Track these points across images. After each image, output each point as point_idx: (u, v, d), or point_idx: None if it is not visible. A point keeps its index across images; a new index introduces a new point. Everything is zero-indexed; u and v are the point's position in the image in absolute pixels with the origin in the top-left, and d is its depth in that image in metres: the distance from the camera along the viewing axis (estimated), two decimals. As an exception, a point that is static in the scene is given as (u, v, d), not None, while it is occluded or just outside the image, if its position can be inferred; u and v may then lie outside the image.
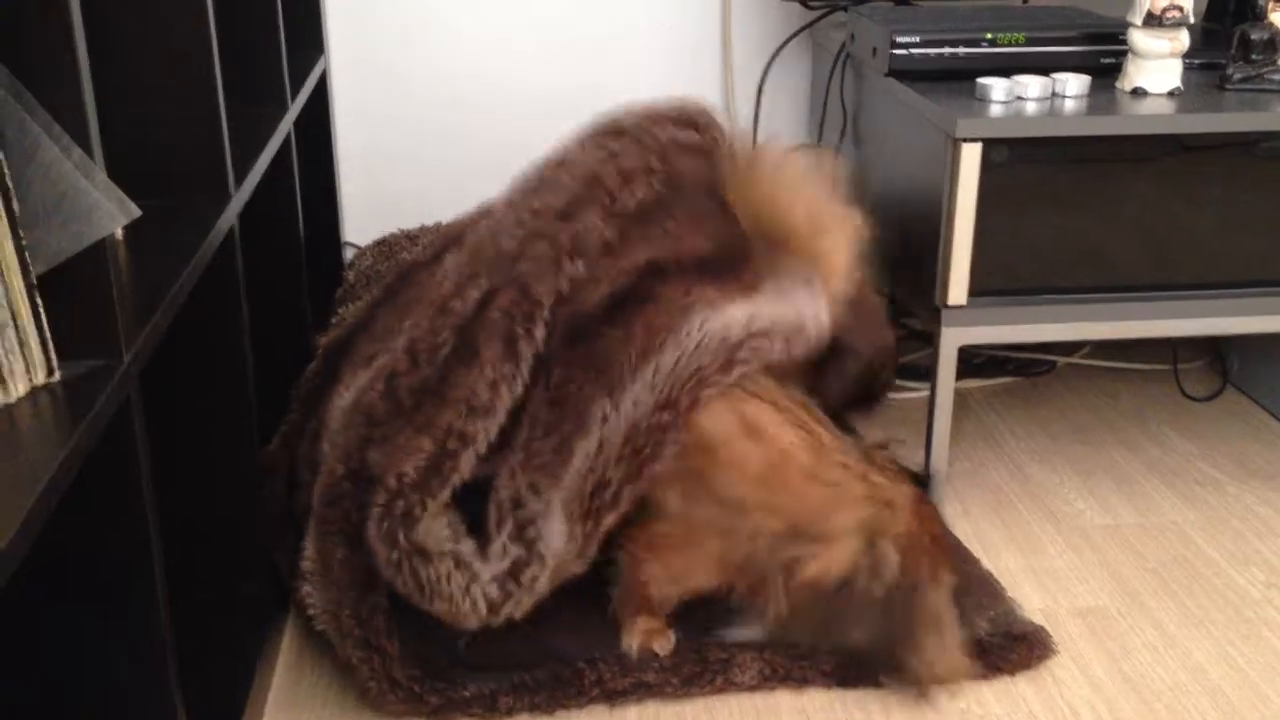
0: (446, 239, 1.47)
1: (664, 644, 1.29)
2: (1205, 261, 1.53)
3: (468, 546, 1.22)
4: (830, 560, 1.23)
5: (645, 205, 1.35)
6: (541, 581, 1.23)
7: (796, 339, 1.32)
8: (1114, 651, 1.34)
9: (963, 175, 1.45)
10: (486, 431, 1.23)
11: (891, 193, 1.71)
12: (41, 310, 0.79)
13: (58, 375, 0.81)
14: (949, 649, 1.24)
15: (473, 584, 1.21)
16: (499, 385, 1.24)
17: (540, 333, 1.26)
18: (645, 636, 1.29)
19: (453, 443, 1.22)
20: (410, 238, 2.06)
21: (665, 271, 1.31)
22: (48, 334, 0.80)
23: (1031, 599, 1.42)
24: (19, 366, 0.79)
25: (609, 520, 1.25)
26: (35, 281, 0.78)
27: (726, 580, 1.29)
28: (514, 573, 1.22)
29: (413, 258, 1.48)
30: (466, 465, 1.23)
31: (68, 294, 0.82)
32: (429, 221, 2.13)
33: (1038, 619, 1.36)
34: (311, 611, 1.25)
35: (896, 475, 1.30)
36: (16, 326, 0.78)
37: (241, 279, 1.19)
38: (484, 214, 1.45)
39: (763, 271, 1.34)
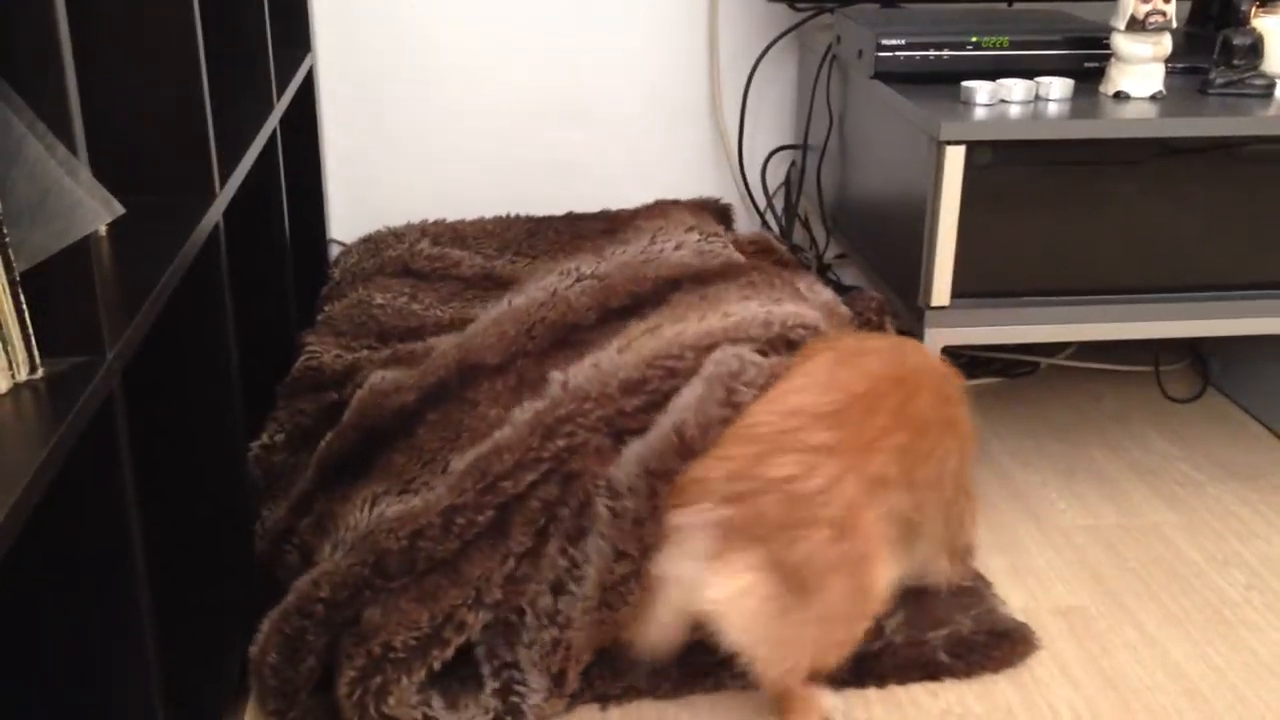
0: (513, 335, 1.39)
1: (822, 697, 1.24)
2: (1187, 264, 1.55)
3: (436, 705, 1.19)
4: None
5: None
6: None
7: (784, 329, 1.32)
8: (1094, 650, 1.35)
9: (946, 177, 1.46)
10: (483, 620, 1.21)
11: (876, 194, 1.71)
12: (25, 307, 0.79)
13: (40, 372, 0.81)
14: None
15: None
16: (516, 580, 1.22)
17: (572, 525, 1.24)
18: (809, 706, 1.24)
19: (449, 631, 1.19)
20: (397, 235, 2.05)
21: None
22: (31, 330, 0.80)
23: (1013, 598, 1.43)
24: (1, 363, 0.79)
25: (584, 662, 1.23)
26: (18, 278, 0.78)
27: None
28: None
29: (475, 347, 1.40)
30: (453, 648, 1.20)
31: (51, 291, 0.82)
32: (415, 219, 2.13)
33: (1019, 617, 1.37)
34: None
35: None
36: (-1, 323, 0.78)
37: (226, 276, 1.19)
38: (564, 307, 1.39)
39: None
